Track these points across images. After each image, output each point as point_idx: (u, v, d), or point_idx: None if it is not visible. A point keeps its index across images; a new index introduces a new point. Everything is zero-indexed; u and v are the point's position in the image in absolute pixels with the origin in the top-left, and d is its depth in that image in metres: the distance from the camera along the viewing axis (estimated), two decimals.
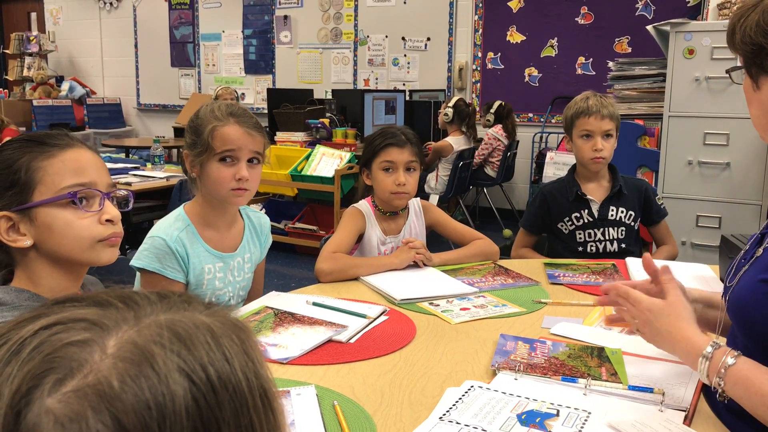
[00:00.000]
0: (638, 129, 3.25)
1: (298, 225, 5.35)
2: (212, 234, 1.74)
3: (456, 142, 5.48)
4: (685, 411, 1.14)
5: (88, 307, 0.50)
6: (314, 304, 1.66)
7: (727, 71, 1.21)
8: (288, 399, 1.16)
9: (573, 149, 2.38)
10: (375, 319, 1.58)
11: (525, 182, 6.49)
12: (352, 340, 1.46)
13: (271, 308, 1.62)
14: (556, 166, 5.95)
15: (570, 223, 2.37)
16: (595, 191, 2.36)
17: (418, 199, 2.23)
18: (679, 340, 1.15)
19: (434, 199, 5.37)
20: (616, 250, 2.32)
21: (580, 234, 2.36)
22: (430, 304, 1.72)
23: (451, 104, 5.54)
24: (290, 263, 5.23)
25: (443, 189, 5.50)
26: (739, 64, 1.18)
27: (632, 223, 2.33)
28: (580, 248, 2.35)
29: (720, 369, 1.06)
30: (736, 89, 2.97)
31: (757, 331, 1.07)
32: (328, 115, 6.06)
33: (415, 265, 2.01)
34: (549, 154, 5.96)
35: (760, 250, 1.16)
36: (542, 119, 6.48)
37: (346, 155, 5.22)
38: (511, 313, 1.67)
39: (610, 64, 3.53)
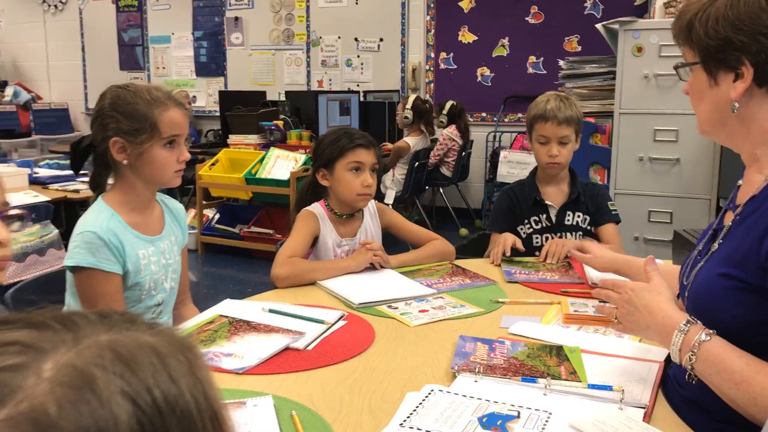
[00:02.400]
0: (590, 127, 3.29)
1: (254, 229, 5.28)
2: (137, 219, 1.70)
3: (414, 142, 5.48)
4: (644, 408, 1.14)
5: (21, 329, 0.47)
6: (270, 311, 1.62)
7: (676, 67, 1.20)
8: (244, 410, 1.13)
9: (533, 149, 2.39)
10: (333, 324, 1.55)
11: (480, 181, 6.53)
12: (309, 347, 1.43)
13: (226, 317, 1.58)
14: (510, 164, 6.01)
15: (528, 226, 2.38)
16: (554, 196, 2.37)
17: (373, 201, 2.21)
18: (656, 313, 1.16)
19: (390, 198, 5.37)
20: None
21: (537, 238, 2.37)
22: (389, 307, 1.70)
23: (409, 105, 5.54)
24: (246, 268, 5.16)
25: (400, 189, 5.50)
26: (686, 60, 1.17)
27: (589, 227, 2.35)
28: (537, 253, 2.36)
29: (694, 344, 1.06)
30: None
31: (719, 325, 1.07)
32: (282, 117, 6.00)
33: (373, 268, 1.99)
34: (503, 153, 6.02)
35: (715, 245, 1.17)
36: (495, 119, 6.53)
37: (301, 157, 5.17)
38: (470, 313, 1.66)
39: (561, 63, 3.57)
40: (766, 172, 1.11)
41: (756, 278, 1.03)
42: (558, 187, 2.39)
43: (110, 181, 1.72)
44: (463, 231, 6.22)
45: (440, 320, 1.61)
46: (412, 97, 5.62)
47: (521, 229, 2.39)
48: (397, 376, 1.30)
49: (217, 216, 5.51)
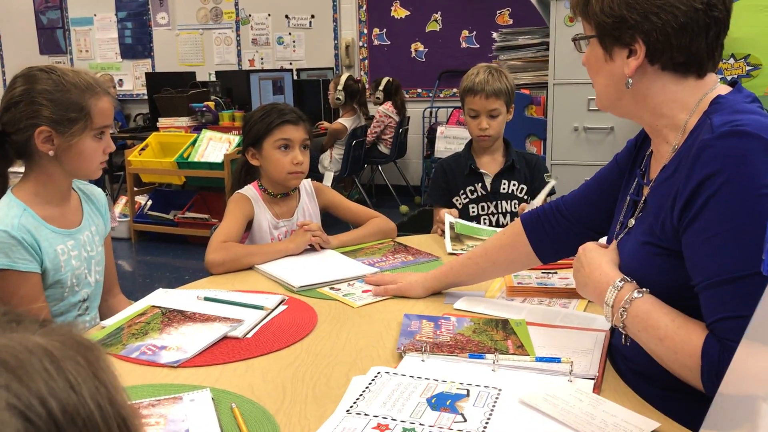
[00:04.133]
0: (525, 99, 3.29)
1: (188, 214, 5.14)
2: (53, 212, 1.57)
3: (349, 122, 5.41)
4: (593, 379, 1.13)
5: None
6: (206, 299, 1.55)
7: (574, 39, 1.20)
8: (180, 406, 1.06)
9: (466, 123, 2.37)
10: (273, 309, 1.49)
11: (418, 158, 6.51)
12: (249, 335, 1.36)
13: (158, 307, 1.50)
14: (447, 140, 6.01)
15: (464, 196, 2.36)
16: (489, 165, 2.36)
17: (310, 180, 2.15)
18: (595, 270, 1.16)
19: (329, 179, 5.30)
20: (508, 222, 2.32)
21: (473, 207, 2.36)
22: (331, 288, 1.65)
23: (340, 86, 5.45)
24: (182, 255, 5.02)
25: (338, 168, 5.43)
26: (585, 32, 1.16)
27: (524, 196, 2.35)
28: (474, 222, 2.35)
29: (626, 300, 1.07)
30: None
31: (653, 292, 1.07)
32: (213, 98, 5.83)
33: (313, 249, 1.93)
34: (439, 129, 6.01)
35: (632, 221, 1.18)
36: (431, 94, 6.50)
37: (235, 139, 5.04)
38: None
39: (495, 35, 3.55)
40: (672, 142, 1.12)
41: (674, 243, 1.04)
42: (492, 156, 2.38)
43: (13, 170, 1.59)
44: (404, 208, 6.20)
45: (384, 299, 1.57)
46: (343, 77, 5.52)
47: (457, 199, 2.37)
48: (342, 360, 1.25)
49: (150, 203, 5.34)
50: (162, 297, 1.58)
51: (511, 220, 2.33)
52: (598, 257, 1.18)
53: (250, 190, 2.04)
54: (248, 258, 1.83)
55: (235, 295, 1.58)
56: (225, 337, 1.34)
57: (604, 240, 1.36)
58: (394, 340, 1.33)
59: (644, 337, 1.05)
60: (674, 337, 1.00)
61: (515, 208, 2.34)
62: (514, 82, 2.37)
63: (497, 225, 2.33)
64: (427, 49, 6.54)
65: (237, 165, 2.16)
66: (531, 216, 1.47)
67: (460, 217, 2.36)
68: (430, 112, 6.35)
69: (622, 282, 1.09)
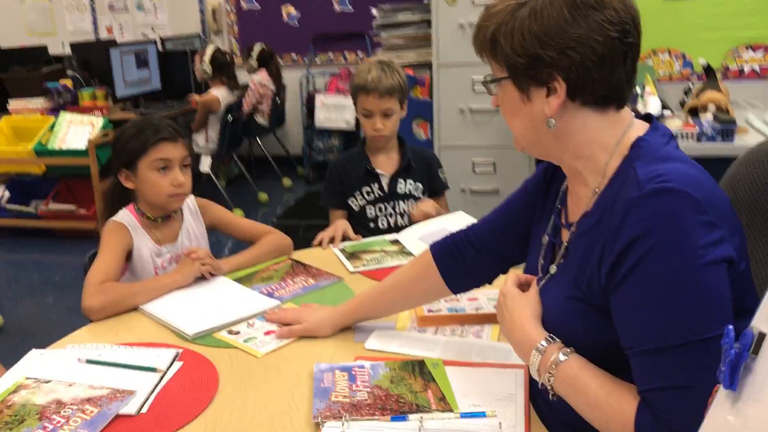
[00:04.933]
0: (410, 80, 3.20)
1: (53, 206, 4.73)
2: None
3: (221, 95, 5.12)
4: None
5: None
6: (88, 361, 1.38)
7: (484, 83, 1.11)
8: None
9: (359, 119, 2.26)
10: (166, 371, 1.35)
11: (298, 127, 6.32)
12: (144, 409, 1.22)
13: (34, 380, 1.32)
14: (327, 109, 5.87)
15: (360, 198, 2.27)
16: (385, 165, 2.28)
17: (193, 197, 1.97)
18: (517, 328, 1.11)
19: (206, 165, 5.02)
20: (407, 223, 2.27)
21: (370, 209, 2.27)
22: (229, 332, 1.52)
23: (207, 58, 5.12)
24: (50, 250, 4.64)
25: (215, 148, 5.16)
26: (494, 74, 1.09)
27: (421, 196, 2.29)
28: (372, 224, 2.28)
29: (551, 365, 1.03)
30: None
31: (577, 345, 1.04)
32: (69, 74, 5.36)
33: (203, 278, 1.78)
34: (318, 98, 5.86)
35: (554, 267, 1.14)
36: (306, 60, 6.29)
37: (99, 120, 4.66)
38: None
39: (374, 11, 3.42)
40: (592, 185, 1.07)
41: (601, 300, 1.00)
42: (388, 155, 2.30)
43: None
44: (286, 181, 6.03)
45: (290, 341, 1.46)
46: (210, 49, 5.19)
47: (353, 201, 2.28)
48: None
49: (6, 194, 4.87)
50: (36, 363, 1.39)
51: (409, 220, 2.26)
52: (520, 310, 1.12)
53: (125, 215, 1.84)
54: (131, 299, 1.65)
55: (122, 351, 1.42)
56: (117, 417, 1.20)
57: (520, 270, 1.32)
58: (308, 400, 1.23)
59: (574, 403, 1.01)
60: (605, 405, 0.97)
61: (412, 207, 2.27)
62: (404, 73, 2.27)
63: (395, 226, 2.27)
64: (299, 13, 6.29)
65: (108, 186, 1.94)
66: (440, 246, 1.41)
67: (358, 220, 2.28)
68: (307, 80, 6.15)
69: (546, 343, 1.05)
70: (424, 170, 2.31)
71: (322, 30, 6.25)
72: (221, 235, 2.11)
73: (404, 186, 2.28)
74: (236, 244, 2.09)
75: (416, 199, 2.29)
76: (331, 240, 2.09)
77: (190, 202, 1.96)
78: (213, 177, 5.27)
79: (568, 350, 1.03)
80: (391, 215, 2.27)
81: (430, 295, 1.45)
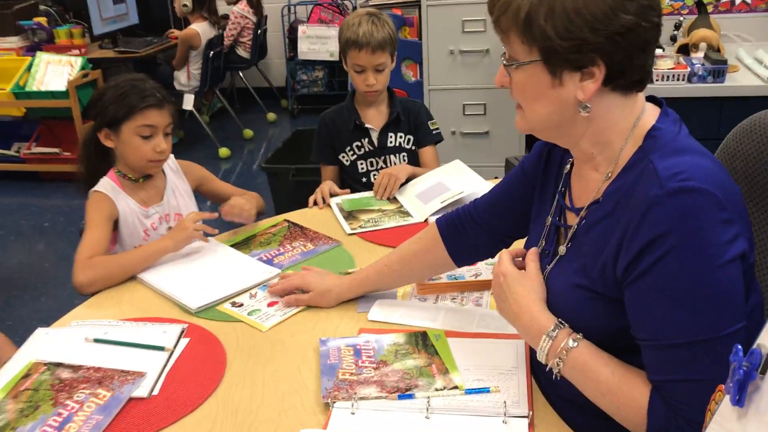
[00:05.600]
0: (398, 20, 3.12)
1: (36, 149, 4.66)
2: None
3: (202, 29, 4.98)
4: (527, 417, 1.13)
5: None
6: (96, 341, 1.40)
7: (507, 65, 1.04)
8: None
9: (349, 73, 2.22)
10: (174, 348, 1.37)
11: (281, 58, 6.19)
12: (155, 391, 1.25)
13: (43, 363, 1.34)
14: (310, 40, 5.75)
15: (351, 153, 2.26)
16: (374, 118, 2.25)
17: (172, 156, 1.95)
18: (525, 313, 1.12)
19: (190, 103, 4.92)
20: None
21: (361, 164, 2.26)
22: (232, 305, 1.54)
23: None
24: (36, 194, 4.60)
25: (197, 84, 5.06)
26: (515, 54, 1.01)
27: (412, 147, 2.27)
28: (364, 179, 2.27)
29: (562, 351, 1.05)
30: None
31: (583, 331, 1.06)
32: (43, 9, 5.17)
33: (199, 245, 1.78)
34: (301, 28, 5.72)
35: (562, 248, 1.13)
36: None
37: (78, 60, 4.54)
38: None
39: None
40: (603, 171, 1.07)
41: (613, 291, 1.01)
42: (377, 108, 2.27)
43: None
44: (271, 115, 5.95)
45: (293, 314, 1.48)
46: None
47: (344, 156, 2.27)
48: (267, 418, 1.17)
49: None
50: (43, 343, 1.41)
51: None
52: (525, 294, 1.13)
53: (106, 183, 1.83)
54: (122, 270, 1.66)
55: (128, 328, 1.44)
56: (129, 400, 1.23)
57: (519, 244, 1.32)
58: (316, 377, 1.26)
59: (584, 388, 1.04)
60: (617, 392, 1.00)
61: (404, 160, 2.27)
62: (393, 24, 2.22)
63: None
64: None
65: (85, 138, 1.91)
66: (446, 221, 1.43)
67: (350, 174, 2.27)
68: (289, 9, 5.98)
69: (556, 330, 1.07)
70: (413, 122, 2.29)
71: None
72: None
73: (394, 139, 2.26)
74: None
75: (407, 151, 2.27)
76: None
77: (171, 162, 1.95)
78: (196, 113, 5.18)
79: (578, 336, 1.05)
80: (382, 169, 2.26)
81: (435, 268, 1.48)
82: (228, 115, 5.72)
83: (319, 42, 5.72)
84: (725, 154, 1.32)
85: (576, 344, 1.04)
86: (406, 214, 1.94)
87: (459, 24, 3.04)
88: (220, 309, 1.52)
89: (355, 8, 5.91)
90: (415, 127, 2.27)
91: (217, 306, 1.53)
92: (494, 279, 1.21)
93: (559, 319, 1.08)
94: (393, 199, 2.04)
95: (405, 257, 1.48)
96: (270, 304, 1.53)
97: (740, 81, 2.71)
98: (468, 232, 1.39)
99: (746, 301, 0.95)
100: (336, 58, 5.67)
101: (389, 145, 2.25)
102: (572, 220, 1.14)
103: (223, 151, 5.09)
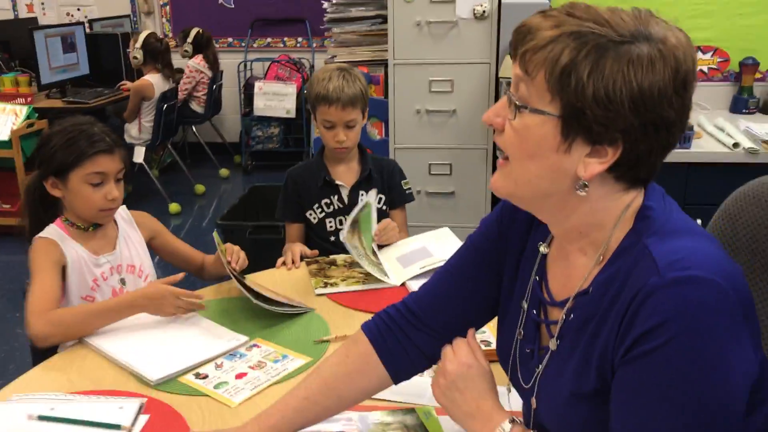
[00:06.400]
0: (364, 77, 3.08)
1: None
2: None
3: (155, 81, 4.86)
4: None
5: None
6: (40, 418, 1.23)
7: (519, 106, 0.87)
8: None
9: (318, 130, 2.14)
10: (132, 427, 1.22)
11: (235, 113, 6.09)
12: None
13: None
14: (267, 96, 5.68)
15: (319, 210, 2.15)
16: (345, 175, 2.16)
17: (124, 206, 1.82)
18: (475, 410, 1.02)
19: (140, 151, 4.76)
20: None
21: (330, 221, 2.16)
22: (196, 376, 1.39)
23: (139, 44, 4.83)
24: None
25: (148, 137, 4.90)
26: (529, 97, 0.86)
27: (383, 207, 2.19)
28: (332, 237, 2.16)
29: None
30: (457, 33, 2.95)
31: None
32: None
33: None
34: (257, 84, 5.66)
35: (553, 342, 0.97)
36: (243, 44, 6.06)
37: (23, 109, 4.35)
38: (298, 368, 1.41)
39: (326, 5, 3.27)
40: (592, 255, 0.93)
41: (608, 386, 0.88)
42: (347, 165, 2.18)
43: None
44: (224, 171, 5.82)
45: (266, 387, 1.35)
46: (143, 35, 4.89)
47: (311, 214, 2.17)
48: None
49: None
50: None
51: None
52: (480, 390, 1.04)
53: (53, 230, 1.69)
54: (84, 325, 1.53)
55: (79, 403, 1.28)
56: None
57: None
58: None
59: None
60: None
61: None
62: (365, 80, 2.16)
63: None
64: None
65: (28, 187, 1.77)
66: (377, 329, 1.15)
67: (317, 232, 2.16)
68: (245, 65, 5.93)
69: (510, 426, 0.97)
70: (386, 180, 2.21)
71: (260, 14, 6.02)
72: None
73: (365, 197, 2.17)
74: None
75: (379, 210, 2.18)
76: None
77: (122, 211, 1.82)
78: (146, 167, 5.01)
79: None
80: None
81: (369, 390, 1.17)
82: (179, 169, 5.56)
83: (275, 99, 5.66)
84: (726, 220, 1.27)
85: None
86: (383, 274, 1.83)
87: (426, 83, 3.01)
88: (183, 381, 1.37)
89: (312, 67, 5.91)
90: (389, 187, 2.19)
91: (179, 378, 1.38)
92: (440, 381, 1.07)
93: (512, 417, 0.99)
94: (374, 255, 1.93)
95: (329, 383, 1.14)
96: (238, 376, 1.39)
97: (705, 147, 2.74)
98: (411, 339, 1.13)
99: (748, 417, 0.84)
100: (292, 115, 5.62)
101: (360, 203, 2.16)
102: (555, 313, 0.99)
103: (174, 207, 4.92)
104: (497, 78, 2.94)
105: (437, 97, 3.01)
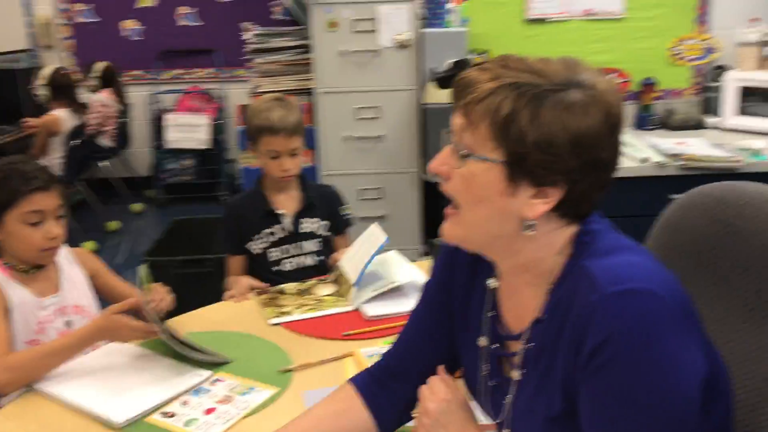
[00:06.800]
0: None
1: None
2: None
3: (64, 116, 4.69)
4: None
5: None
6: None
7: (465, 156, 0.93)
8: None
9: (258, 161, 2.14)
10: None
11: (146, 146, 5.93)
12: None
13: None
14: (179, 128, 5.60)
15: (261, 241, 2.15)
16: (286, 204, 2.17)
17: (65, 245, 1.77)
18: None
19: None
20: (313, 263, 2.18)
21: (274, 252, 2.15)
22: (163, 415, 1.36)
23: (44, 81, 4.66)
24: None
25: (59, 174, 4.71)
26: (471, 144, 0.92)
27: (326, 234, 2.21)
28: (274, 267, 2.15)
29: None
30: (381, 62, 3.03)
31: None
32: None
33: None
34: (169, 116, 5.56)
35: (517, 373, 1.02)
36: (152, 77, 5.94)
37: None
38: (266, 400, 1.40)
39: (248, 35, 3.28)
40: (541, 285, 0.97)
41: (576, 405, 0.92)
42: (288, 194, 2.19)
43: None
44: (137, 207, 5.65)
45: (236, 422, 1.33)
46: (48, 69, 4.72)
47: (253, 245, 2.15)
48: None
49: None
50: None
51: (315, 260, 2.18)
52: (463, 423, 1.07)
53: None
54: (43, 367, 1.48)
55: None
56: None
57: None
58: None
59: None
60: None
61: (318, 246, 2.19)
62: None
63: (301, 267, 2.16)
64: (143, 27, 5.93)
65: None
66: (364, 381, 1.21)
67: (261, 263, 2.15)
68: (154, 98, 5.81)
69: None
70: (327, 207, 2.24)
71: (167, 45, 5.92)
72: None
73: (308, 225, 2.19)
74: None
75: (321, 238, 2.20)
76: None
77: (63, 250, 1.76)
78: None
79: None
80: (295, 256, 2.17)
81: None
82: (89, 207, 5.36)
83: (188, 130, 5.58)
84: (667, 229, 1.36)
85: None
86: (339, 299, 1.85)
87: (352, 111, 3.07)
88: (151, 421, 1.34)
89: (223, 97, 5.85)
90: (331, 214, 2.22)
91: (145, 418, 1.35)
92: (423, 421, 1.09)
93: None
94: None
95: (321, 427, 1.16)
96: (207, 411, 1.37)
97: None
98: (395, 393, 1.18)
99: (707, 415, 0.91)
100: (206, 146, 5.54)
101: (302, 231, 2.17)
102: (514, 345, 1.04)
103: (89, 245, 4.73)
104: (421, 104, 3.03)
105: (364, 124, 3.07)
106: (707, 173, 2.76)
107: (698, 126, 3.51)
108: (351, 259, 1.97)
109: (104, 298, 1.89)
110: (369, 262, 1.88)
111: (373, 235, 1.98)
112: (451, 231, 0.99)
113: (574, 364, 0.90)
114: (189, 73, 6.02)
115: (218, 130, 5.69)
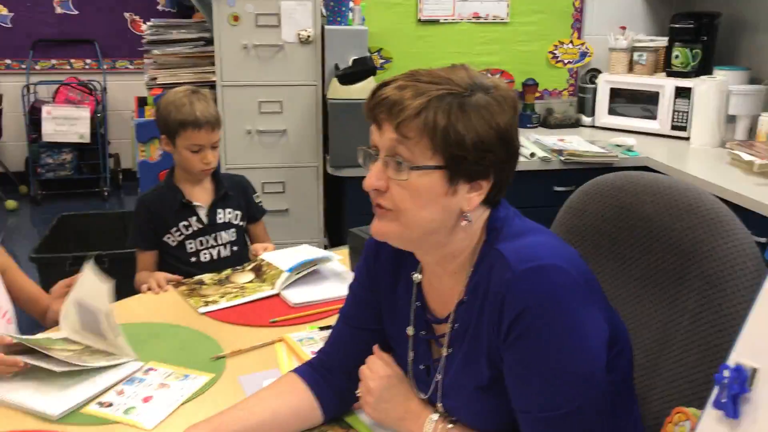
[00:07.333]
0: None
1: None
2: None
3: None
4: None
5: None
6: None
7: (412, 168, 1.00)
8: None
9: (175, 154, 2.13)
10: None
11: (20, 140, 5.61)
12: None
13: None
14: (57, 121, 5.35)
15: (178, 233, 2.15)
16: (201, 195, 2.18)
17: None
18: (405, 413, 1.17)
19: None
20: (230, 254, 2.20)
21: (190, 243, 2.16)
22: (100, 405, 1.36)
23: None
24: None
25: None
26: (411, 156, 1.00)
27: (241, 223, 2.24)
28: (193, 258, 2.16)
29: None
30: (284, 56, 3.06)
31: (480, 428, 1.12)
32: None
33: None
34: (45, 109, 5.30)
35: (445, 350, 1.13)
36: (25, 67, 5.62)
37: None
38: (202, 386, 1.43)
39: (144, 27, 3.21)
40: (461, 272, 1.10)
41: (501, 373, 1.05)
42: (202, 185, 2.21)
43: None
44: (11, 203, 5.34)
45: (180, 407, 1.35)
46: None
47: (169, 237, 2.15)
48: None
49: None
50: None
51: (232, 250, 2.21)
52: (404, 398, 1.18)
53: None
54: None
55: None
56: None
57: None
58: None
59: None
60: None
61: (234, 236, 2.22)
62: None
63: (219, 258, 2.18)
64: (13, 14, 5.60)
65: None
66: (306, 372, 1.29)
67: (177, 256, 2.15)
68: (29, 89, 5.50)
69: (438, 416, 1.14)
70: (241, 197, 2.27)
71: (42, 34, 5.63)
72: None
73: (224, 215, 2.21)
74: None
75: (236, 227, 2.23)
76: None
77: None
78: None
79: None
80: (213, 247, 2.19)
81: (301, 409, 1.25)
82: None
83: (66, 123, 5.33)
84: (571, 214, 1.52)
85: (452, 426, 1.12)
86: (262, 284, 1.90)
87: (256, 104, 3.08)
88: (88, 412, 1.34)
89: (104, 89, 5.63)
90: (245, 203, 2.25)
91: (81, 410, 1.34)
92: (366, 398, 1.20)
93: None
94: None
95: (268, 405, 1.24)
96: (145, 399, 1.38)
97: None
98: (334, 385, 1.27)
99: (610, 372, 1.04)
100: (86, 140, 5.33)
101: (219, 221, 2.19)
102: (441, 328, 1.15)
103: None
104: (324, 98, 3.10)
105: (267, 118, 3.09)
106: (586, 167, 3.02)
107: (575, 124, 3.80)
108: (276, 255, 2.02)
109: (12, 296, 1.82)
110: (310, 260, 1.94)
111: (310, 248, 2.05)
112: (385, 228, 1.06)
113: (497, 336, 1.02)
114: (66, 63, 5.75)
115: (99, 123, 5.48)
